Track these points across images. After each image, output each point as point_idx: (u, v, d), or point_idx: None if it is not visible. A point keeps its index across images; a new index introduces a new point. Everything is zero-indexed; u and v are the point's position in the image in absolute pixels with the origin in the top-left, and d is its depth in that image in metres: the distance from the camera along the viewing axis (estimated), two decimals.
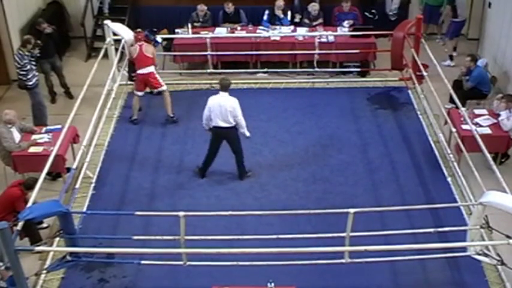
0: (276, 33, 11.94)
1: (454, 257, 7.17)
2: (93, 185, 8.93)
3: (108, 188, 8.93)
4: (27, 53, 9.84)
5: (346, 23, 12.14)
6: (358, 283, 7.28)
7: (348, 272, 7.19)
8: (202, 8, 12.32)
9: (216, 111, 8.52)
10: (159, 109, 10.62)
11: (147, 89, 10.61)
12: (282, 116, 10.59)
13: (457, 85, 10.41)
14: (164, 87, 10.37)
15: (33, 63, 9.99)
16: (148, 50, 10.23)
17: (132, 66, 10.64)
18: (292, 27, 12.28)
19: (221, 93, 8.60)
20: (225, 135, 8.74)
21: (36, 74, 10.11)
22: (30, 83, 9.93)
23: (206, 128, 8.89)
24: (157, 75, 10.34)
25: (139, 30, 10.52)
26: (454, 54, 12.38)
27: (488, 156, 7.93)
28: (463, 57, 12.26)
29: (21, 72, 9.86)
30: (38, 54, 10.15)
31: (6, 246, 5.84)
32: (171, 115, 10.47)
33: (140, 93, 10.41)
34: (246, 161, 9.38)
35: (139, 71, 10.25)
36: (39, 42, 10.09)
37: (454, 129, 9.16)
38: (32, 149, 8.76)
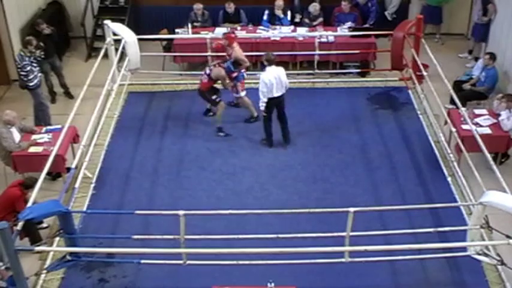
0: (276, 33, 11.93)
1: (454, 257, 7.18)
2: (93, 185, 8.93)
3: (108, 188, 8.93)
4: (28, 54, 9.82)
5: (345, 26, 12.13)
6: (358, 283, 7.28)
7: (348, 272, 7.21)
8: (198, 6, 12.27)
9: (275, 84, 9.36)
10: (159, 109, 10.62)
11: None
12: None
13: (457, 86, 10.40)
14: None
15: (34, 64, 9.94)
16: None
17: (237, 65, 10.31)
18: (292, 27, 12.26)
19: (272, 67, 9.42)
20: (278, 103, 9.60)
21: (38, 75, 10.07)
22: (31, 84, 9.91)
23: (263, 106, 9.49)
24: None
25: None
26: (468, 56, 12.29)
27: (488, 156, 7.93)
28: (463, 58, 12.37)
29: (22, 73, 9.85)
30: (42, 56, 10.15)
31: (6, 246, 5.84)
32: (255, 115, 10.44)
33: (244, 93, 10.44)
34: (245, 161, 9.42)
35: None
36: (41, 44, 10.07)
37: (454, 129, 9.16)
38: (32, 149, 8.76)
